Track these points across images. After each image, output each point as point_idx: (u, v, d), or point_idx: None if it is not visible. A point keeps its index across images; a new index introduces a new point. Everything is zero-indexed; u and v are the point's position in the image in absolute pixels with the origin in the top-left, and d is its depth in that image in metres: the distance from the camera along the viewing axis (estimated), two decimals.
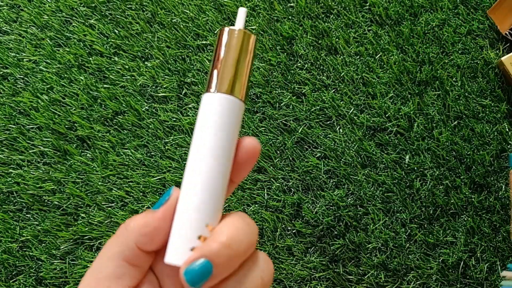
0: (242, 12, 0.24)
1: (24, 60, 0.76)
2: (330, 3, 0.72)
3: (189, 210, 0.22)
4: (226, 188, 0.23)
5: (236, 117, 0.23)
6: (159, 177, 0.69)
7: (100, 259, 0.22)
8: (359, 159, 0.66)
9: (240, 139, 0.23)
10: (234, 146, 0.23)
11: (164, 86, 0.72)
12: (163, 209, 0.22)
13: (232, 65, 0.23)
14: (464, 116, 0.66)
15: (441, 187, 0.64)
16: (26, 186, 0.70)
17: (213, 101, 0.22)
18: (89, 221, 0.68)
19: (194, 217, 0.21)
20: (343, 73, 0.69)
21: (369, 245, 0.63)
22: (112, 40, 0.75)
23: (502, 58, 0.65)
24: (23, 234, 0.69)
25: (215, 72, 0.23)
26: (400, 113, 0.66)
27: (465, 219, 0.63)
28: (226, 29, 0.24)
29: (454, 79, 0.67)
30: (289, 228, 0.65)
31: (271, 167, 0.66)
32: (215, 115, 0.22)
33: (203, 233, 0.21)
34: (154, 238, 0.22)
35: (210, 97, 0.23)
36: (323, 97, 0.68)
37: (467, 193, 0.64)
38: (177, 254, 0.21)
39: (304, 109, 0.68)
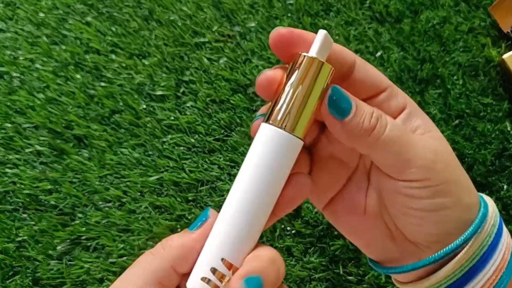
0: (322, 36, 0.21)
1: (20, 58, 0.75)
2: (329, 1, 0.71)
3: (213, 238, 0.21)
4: (262, 226, 0.22)
5: (294, 158, 0.22)
6: (157, 176, 0.68)
7: (132, 275, 0.22)
8: None
9: (291, 174, 0.23)
10: (283, 185, 0.22)
11: (161, 84, 0.71)
12: (199, 231, 0.22)
13: (302, 100, 0.21)
14: (465, 115, 0.65)
15: None
16: (22, 186, 0.70)
17: (274, 138, 0.21)
18: (86, 221, 0.68)
19: (214, 248, 0.21)
20: None
21: None
22: (109, 38, 0.74)
23: (504, 56, 0.65)
24: (19, 234, 0.68)
25: (284, 104, 0.21)
26: None
27: None
28: (306, 56, 0.21)
29: (455, 77, 0.67)
30: (288, 228, 0.65)
31: None
32: (275, 154, 0.21)
33: (216, 266, 0.21)
34: (188, 259, 0.22)
35: (272, 132, 0.21)
36: None
37: None
38: (191, 281, 0.21)
39: None
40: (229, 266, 0.21)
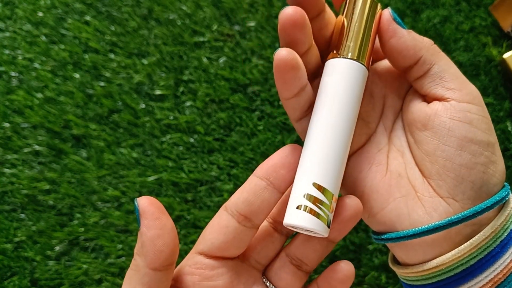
0: None
1: (19, 57, 0.75)
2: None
3: (301, 169, 0.22)
4: (347, 149, 0.23)
5: (364, 85, 0.23)
6: (156, 176, 0.68)
7: None
8: None
9: (343, 198, 0.23)
10: (358, 112, 0.23)
11: (160, 84, 0.71)
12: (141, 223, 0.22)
13: (362, 32, 0.23)
14: None
15: None
16: (20, 186, 0.69)
17: (350, 69, 0.23)
18: (85, 221, 0.67)
19: (303, 176, 0.22)
20: None
21: (370, 246, 0.63)
22: (108, 37, 0.74)
23: (505, 56, 0.64)
24: (18, 235, 0.68)
25: (349, 38, 0.23)
26: None
27: None
28: None
29: None
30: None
31: None
32: (353, 83, 0.22)
33: (309, 191, 0.21)
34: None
35: (348, 64, 0.23)
36: None
37: None
38: (287, 218, 0.22)
39: None
40: (322, 190, 0.21)
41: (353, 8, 0.23)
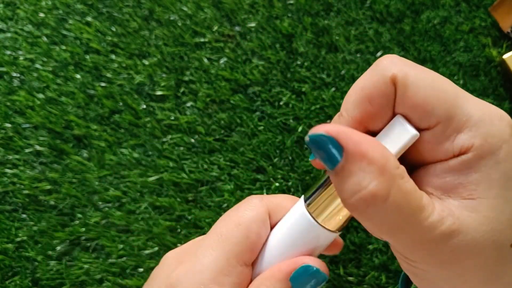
0: None
1: (20, 58, 0.75)
2: (330, 0, 0.71)
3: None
4: None
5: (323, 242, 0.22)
6: (157, 176, 0.68)
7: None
8: None
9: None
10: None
11: (161, 84, 0.71)
12: None
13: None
14: None
15: None
16: (21, 186, 0.69)
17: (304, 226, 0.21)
18: (86, 221, 0.67)
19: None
20: (343, 71, 0.68)
21: (370, 246, 0.63)
22: (109, 38, 0.74)
23: (504, 56, 0.65)
24: (19, 235, 0.68)
25: (327, 200, 0.20)
26: None
27: None
28: None
29: (456, 77, 0.67)
30: None
31: (271, 167, 0.65)
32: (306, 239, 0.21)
33: None
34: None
35: (312, 226, 0.21)
36: (323, 96, 0.68)
37: None
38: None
39: (304, 108, 0.67)
40: None
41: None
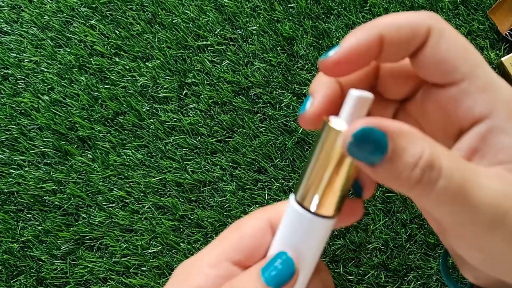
0: (352, 100, 0.18)
1: (25, 60, 0.76)
2: (330, 4, 0.72)
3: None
4: None
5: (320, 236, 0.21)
6: (160, 177, 0.69)
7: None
8: None
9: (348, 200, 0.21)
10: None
11: (164, 86, 0.72)
12: None
13: (325, 177, 0.19)
14: None
15: None
16: (27, 187, 0.70)
17: (299, 220, 0.21)
18: (90, 221, 0.68)
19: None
20: None
21: (370, 245, 0.63)
22: (113, 40, 0.75)
23: (502, 59, 0.65)
24: (24, 234, 0.69)
25: (309, 182, 0.20)
26: None
27: None
28: (330, 123, 0.18)
29: None
30: None
31: (272, 168, 0.66)
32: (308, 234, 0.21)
33: None
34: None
35: (297, 215, 0.20)
36: None
37: None
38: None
39: None
40: None
41: (321, 140, 0.19)
